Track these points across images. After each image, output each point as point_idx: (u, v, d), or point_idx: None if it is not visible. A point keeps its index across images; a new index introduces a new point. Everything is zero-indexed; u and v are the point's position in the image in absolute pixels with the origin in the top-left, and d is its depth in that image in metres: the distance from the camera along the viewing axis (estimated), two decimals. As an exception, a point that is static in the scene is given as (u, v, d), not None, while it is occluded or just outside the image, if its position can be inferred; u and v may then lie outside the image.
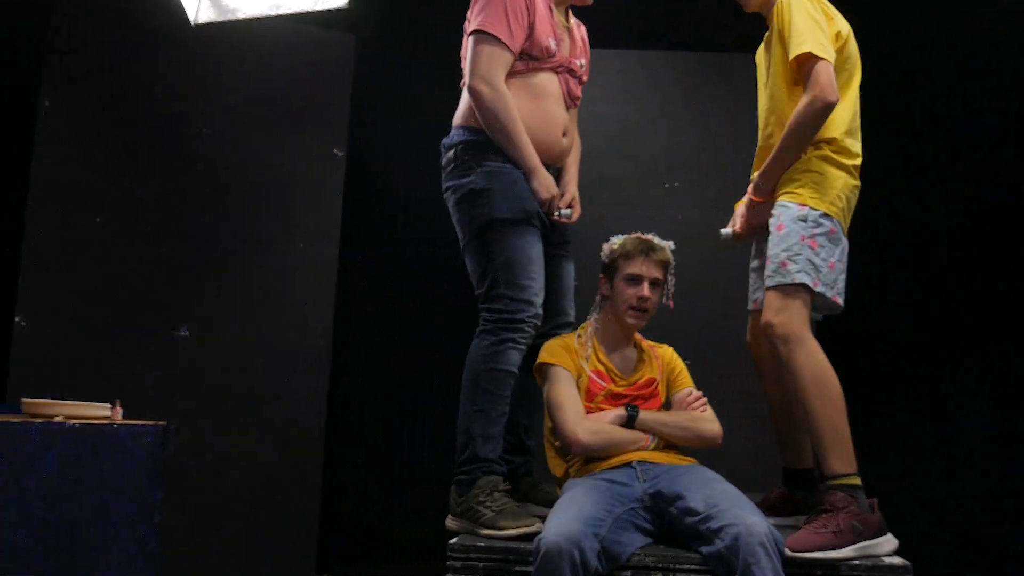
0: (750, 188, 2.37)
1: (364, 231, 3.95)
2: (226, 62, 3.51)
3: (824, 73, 2.11)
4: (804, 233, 2.16)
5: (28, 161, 3.23)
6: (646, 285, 2.34)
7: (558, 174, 2.47)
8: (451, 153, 2.38)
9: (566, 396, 2.26)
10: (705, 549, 1.93)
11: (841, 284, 2.21)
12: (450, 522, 2.25)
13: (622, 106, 3.62)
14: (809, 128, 2.15)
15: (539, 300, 2.29)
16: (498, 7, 2.29)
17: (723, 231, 2.46)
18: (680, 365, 2.47)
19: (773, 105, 2.31)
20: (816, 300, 2.18)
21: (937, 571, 2.73)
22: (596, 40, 2.67)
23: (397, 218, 4.03)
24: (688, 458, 2.30)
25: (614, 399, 2.31)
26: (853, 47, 2.29)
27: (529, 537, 2.01)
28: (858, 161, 2.27)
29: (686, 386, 2.42)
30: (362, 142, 3.88)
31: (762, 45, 2.44)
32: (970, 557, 3.52)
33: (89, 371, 3.19)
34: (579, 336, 2.40)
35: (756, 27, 2.45)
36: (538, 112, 2.37)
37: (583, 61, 2.54)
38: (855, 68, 2.30)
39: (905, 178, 3.77)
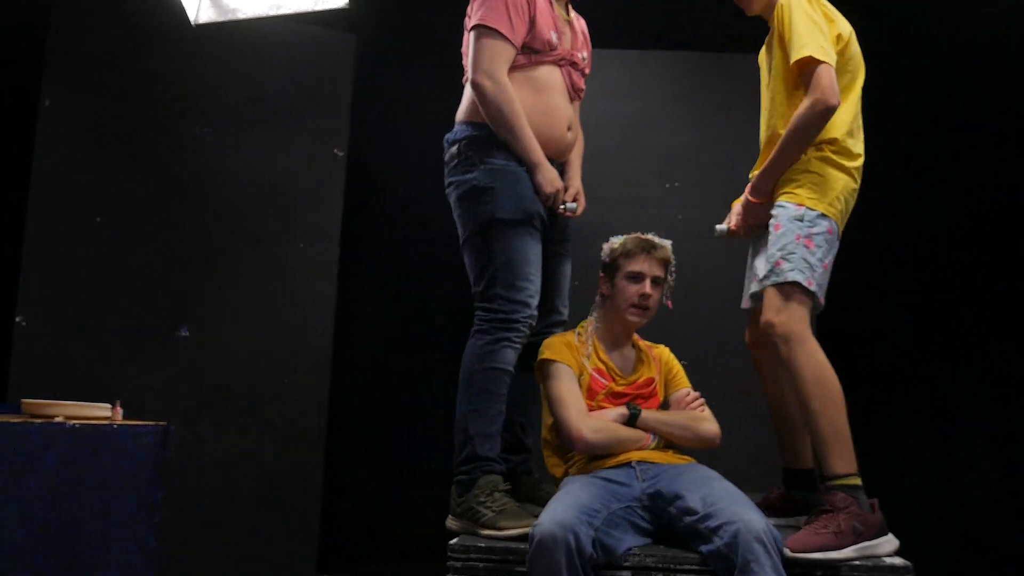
0: (748, 188, 2.37)
1: (364, 231, 3.95)
2: (226, 62, 3.51)
3: (825, 76, 2.11)
4: (800, 232, 2.16)
5: (29, 161, 3.23)
6: (648, 282, 2.34)
7: (562, 168, 2.47)
8: (454, 149, 2.38)
9: (569, 393, 2.27)
10: (704, 548, 1.93)
11: (826, 285, 2.22)
12: (450, 522, 2.25)
13: (623, 106, 3.62)
14: (810, 131, 2.15)
15: (535, 302, 2.30)
16: (499, 1, 2.29)
17: (718, 227, 2.46)
18: (677, 365, 2.48)
19: (774, 107, 2.30)
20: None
21: (937, 571, 2.73)
22: (597, 40, 2.67)
23: (397, 218, 4.03)
24: (686, 457, 2.31)
25: (615, 398, 2.32)
26: (855, 49, 2.29)
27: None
28: (859, 162, 2.27)
29: (683, 386, 2.44)
30: (363, 142, 3.87)
31: (764, 47, 2.44)
32: (970, 557, 3.52)
33: (89, 371, 3.19)
34: (579, 334, 2.41)
35: (757, 27, 2.45)
36: (541, 106, 2.37)
37: (585, 54, 2.54)
38: (857, 70, 2.29)
39: (905, 178, 3.77)
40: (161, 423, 2.48)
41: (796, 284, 2.13)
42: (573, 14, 2.57)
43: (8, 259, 3.27)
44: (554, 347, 2.35)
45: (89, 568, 2.26)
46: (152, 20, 3.37)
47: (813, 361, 2.10)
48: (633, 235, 2.42)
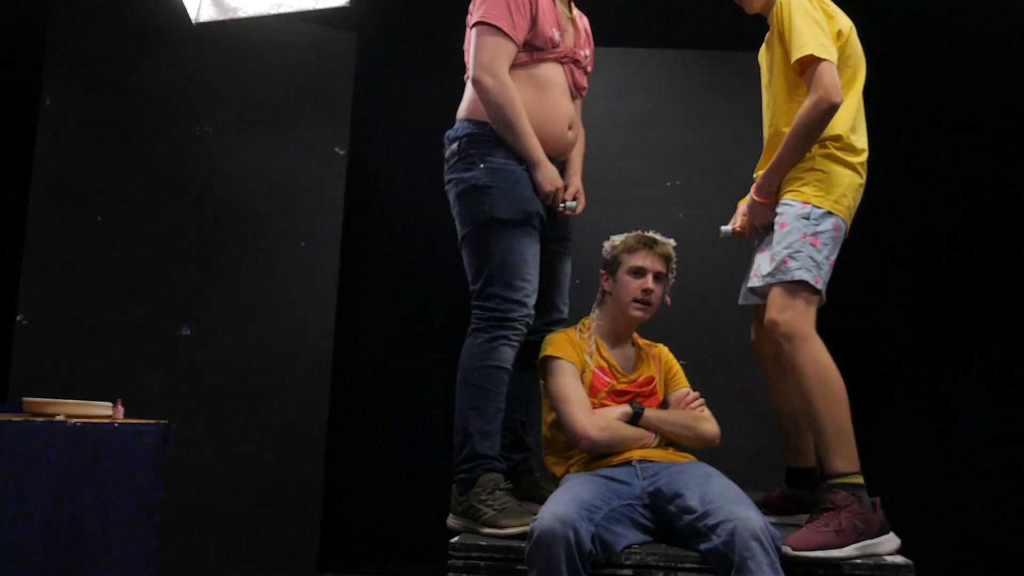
0: (753, 188, 2.37)
1: (364, 231, 3.95)
2: (226, 62, 3.51)
3: (827, 74, 2.10)
4: (806, 230, 2.15)
5: (29, 160, 3.24)
6: (650, 277, 2.35)
7: (562, 167, 2.47)
8: (455, 146, 2.37)
9: (573, 390, 2.26)
10: (703, 546, 1.93)
11: (828, 280, 2.21)
12: (451, 521, 2.24)
13: (623, 104, 3.62)
14: (813, 130, 2.15)
15: (531, 301, 2.30)
16: None
17: (723, 228, 2.46)
18: (676, 365, 2.49)
19: (776, 106, 2.30)
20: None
21: (937, 571, 2.73)
22: (598, 38, 2.67)
23: (397, 218, 4.02)
24: (687, 455, 2.31)
25: (616, 396, 2.32)
26: (855, 44, 2.28)
27: (531, 536, 2.00)
28: (864, 157, 2.26)
29: (683, 386, 2.44)
30: (363, 141, 3.87)
31: (764, 45, 2.44)
32: (970, 557, 3.52)
33: (90, 370, 3.19)
34: (581, 331, 2.41)
35: (757, 26, 2.45)
36: (543, 103, 2.36)
37: (587, 51, 2.53)
38: (858, 65, 2.29)
39: (905, 178, 3.77)
40: (162, 421, 2.47)
41: (802, 283, 2.13)
42: (576, 11, 2.56)
43: (9, 258, 3.27)
44: (557, 343, 2.35)
45: (89, 567, 2.26)
46: (152, 20, 3.38)
47: (817, 360, 2.10)
48: (635, 232, 2.43)
